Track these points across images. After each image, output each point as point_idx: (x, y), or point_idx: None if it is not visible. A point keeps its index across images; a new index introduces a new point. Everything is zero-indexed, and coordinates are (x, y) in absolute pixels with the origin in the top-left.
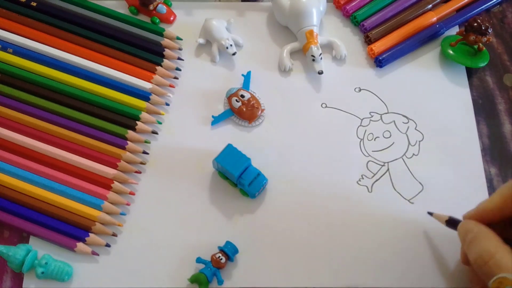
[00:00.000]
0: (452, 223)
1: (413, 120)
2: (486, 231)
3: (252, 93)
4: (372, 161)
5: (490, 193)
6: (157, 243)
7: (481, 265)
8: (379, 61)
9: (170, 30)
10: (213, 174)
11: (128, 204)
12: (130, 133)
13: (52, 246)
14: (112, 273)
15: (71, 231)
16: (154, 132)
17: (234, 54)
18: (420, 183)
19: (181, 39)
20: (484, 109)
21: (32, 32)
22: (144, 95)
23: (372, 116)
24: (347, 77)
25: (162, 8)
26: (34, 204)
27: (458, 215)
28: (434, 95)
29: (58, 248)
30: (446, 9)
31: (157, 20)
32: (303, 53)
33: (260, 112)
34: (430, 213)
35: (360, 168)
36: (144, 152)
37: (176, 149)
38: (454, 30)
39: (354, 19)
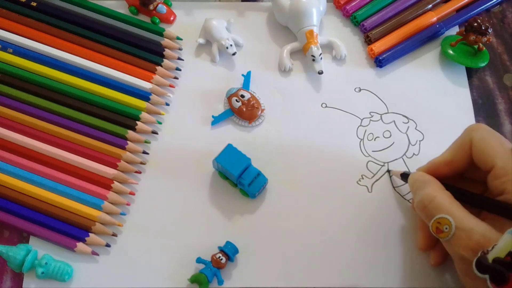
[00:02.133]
0: (405, 176)
1: (413, 120)
2: (431, 179)
3: (252, 93)
4: (372, 161)
5: None
6: (157, 243)
7: (421, 208)
8: (379, 61)
9: (170, 30)
10: (213, 174)
11: (128, 204)
12: (130, 133)
13: (52, 246)
14: (112, 273)
15: (71, 231)
16: (154, 132)
17: (234, 54)
18: None
19: (181, 39)
20: (484, 109)
21: (32, 32)
22: (144, 95)
23: (372, 116)
24: (347, 77)
25: (162, 8)
26: (34, 204)
27: None
28: (434, 95)
29: (58, 248)
30: (446, 9)
31: (157, 20)
32: (303, 53)
33: (260, 112)
34: (389, 171)
35: (360, 168)
36: (144, 152)
37: (176, 149)
38: (454, 30)
39: (354, 19)
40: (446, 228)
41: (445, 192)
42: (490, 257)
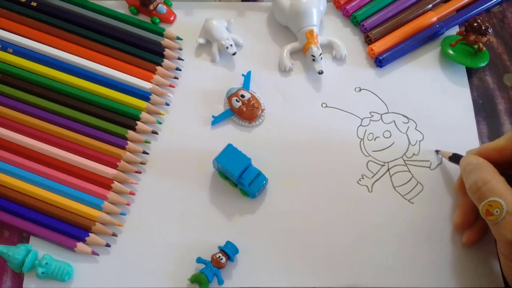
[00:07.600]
0: (455, 158)
1: (413, 120)
2: (485, 163)
3: (252, 93)
4: (372, 161)
5: None
6: (157, 243)
7: (475, 191)
8: (379, 61)
9: (170, 30)
10: (213, 174)
11: (128, 204)
12: (130, 133)
13: (52, 246)
14: (112, 273)
15: (71, 231)
16: (154, 132)
17: (234, 54)
18: (420, 183)
19: (181, 39)
20: (484, 109)
21: (32, 32)
22: (144, 95)
23: (372, 116)
24: (347, 77)
25: (162, 8)
26: (34, 204)
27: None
28: (434, 95)
29: (58, 248)
30: (446, 9)
31: (157, 20)
32: (303, 53)
33: (260, 112)
34: (437, 151)
35: (360, 168)
36: (144, 152)
37: (176, 149)
38: (454, 30)
39: (354, 19)
40: (496, 211)
41: (499, 177)
42: None
